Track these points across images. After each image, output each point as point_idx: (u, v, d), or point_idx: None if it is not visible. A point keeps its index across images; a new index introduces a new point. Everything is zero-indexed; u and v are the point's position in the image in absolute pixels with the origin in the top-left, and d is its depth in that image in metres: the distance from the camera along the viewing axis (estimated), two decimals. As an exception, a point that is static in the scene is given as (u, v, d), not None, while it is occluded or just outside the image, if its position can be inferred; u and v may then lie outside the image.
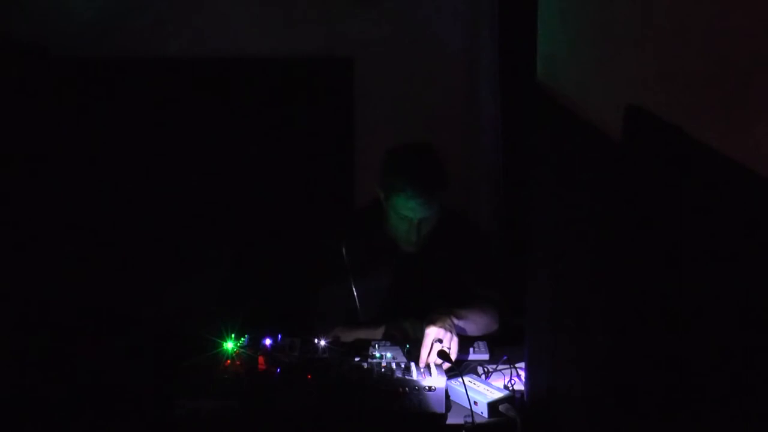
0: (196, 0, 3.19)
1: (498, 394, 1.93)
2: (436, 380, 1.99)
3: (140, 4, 3.14)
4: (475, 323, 2.34)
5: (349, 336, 2.34)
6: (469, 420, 1.85)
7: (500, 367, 2.15)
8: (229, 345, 2.05)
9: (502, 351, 2.23)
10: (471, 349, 2.29)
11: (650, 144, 1.27)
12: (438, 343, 2.11)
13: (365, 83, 3.26)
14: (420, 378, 2.00)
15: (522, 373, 2.07)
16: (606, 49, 1.46)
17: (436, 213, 2.41)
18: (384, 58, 3.23)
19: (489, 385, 2.00)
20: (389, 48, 3.23)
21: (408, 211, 2.37)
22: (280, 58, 3.23)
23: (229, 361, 2.03)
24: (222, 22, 3.18)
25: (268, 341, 2.12)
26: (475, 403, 1.90)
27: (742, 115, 1.05)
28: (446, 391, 1.96)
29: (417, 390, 1.94)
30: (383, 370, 2.04)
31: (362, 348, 2.19)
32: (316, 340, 2.14)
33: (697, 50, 1.14)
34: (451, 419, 1.90)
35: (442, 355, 2.07)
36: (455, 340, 2.15)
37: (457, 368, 2.06)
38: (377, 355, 2.13)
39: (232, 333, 2.07)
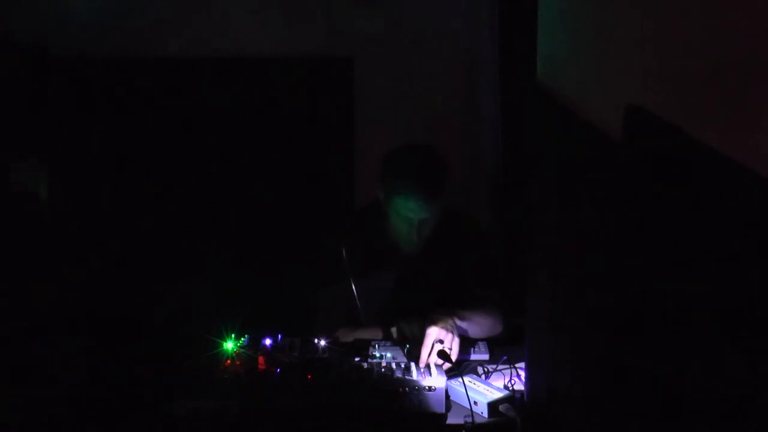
0: (196, 0, 3.19)
1: (498, 394, 1.93)
2: (436, 380, 1.99)
3: (140, 4, 3.15)
4: (477, 325, 2.34)
5: (349, 337, 2.35)
6: (469, 420, 1.85)
7: (500, 367, 2.15)
8: (229, 345, 2.06)
9: (502, 351, 2.22)
10: (471, 349, 2.29)
11: (650, 144, 1.27)
12: (439, 344, 2.11)
13: (365, 83, 3.26)
14: (420, 378, 2.00)
15: (522, 373, 2.07)
16: (606, 49, 1.46)
17: (436, 213, 2.41)
18: (384, 58, 3.24)
19: (489, 385, 2.00)
20: (389, 48, 3.23)
21: (408, 212, 2.37)
22: (280, 58, 3.23)
23: (229, 361, 2.03)
24: (222, 22, 3.18)
25: (268, 341, 2.12)
26: (475, 403, 1.90)
27: (742, 115, 1.05)
28: (446, 391, 1.96)
29: (417, 390, 1.94)
30: (383, 370, 2.04)
31: (362, 348, 2.19)
32: (316, 340, 2.14)
33: (697, 50, 1.14)
34: (451, 419, 1.90)
35: (443, 355, 2.07)
36: (456, 340, 2.15)
37: (457, 368, 2.06)
38: (377, 355, 2.13)
39: (232, 333, 2.07)
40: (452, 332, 2.16)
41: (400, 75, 3.24)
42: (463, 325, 2.27)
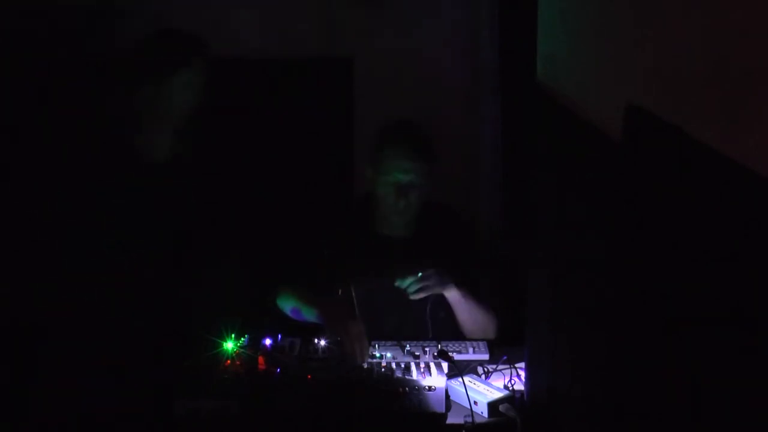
0: (196, 0, 3.18)
1: (498, 394, 1.93)
2: (436, 380, 1.99)
3: (140, 4, 3.14)
4: (470, 314, 2.35)
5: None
6: (469, 420, 1.85)
7: (500, 367, 2.15)
8: (229, 345, 2.06)
9: (502, 351, 2.22)
10: (471, 349, 2.29)
11: (650, 144, 1.27)
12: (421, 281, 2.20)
13: (365, 83, 3.26)
14: (420, 378, 2.00)
15: (522, 373, 2.07)
16: (606, 49, 1.46)
17: (424, 184, 2.41)
18: (384, 58, 3.23)
19: (489, 385, 2.00)
20: (389, 48, 3.23)
21: (398, 172, 2.37)
22: (279, 58, 3.23)
23: (229, 361, 2.03)
24: (222, 22, 3.18)
25: (268, 341, 2.12)
26: (475, 403, 1.90)
27: (742, 115, 1.05)
28: (446, 391, 1.97)
29: (417, 390, 1.94)
30: (383, 370, 2.04)
31: (362, 348, 2.19)
32: (315, 340, 2.14)
33: (697, 50, 1.14)
34: (451, 419, 1.90)
35: (443, 355, 2.07)
36: (440, 291, 2.25)
37: (456, 367, 2.05)
38: (377, 355, 2.13)
39: (232, 333, 2.07)
40: (443, 283, 2.23)
41: (400, 75, 3.24)
42: (463, 302, 2.29)
